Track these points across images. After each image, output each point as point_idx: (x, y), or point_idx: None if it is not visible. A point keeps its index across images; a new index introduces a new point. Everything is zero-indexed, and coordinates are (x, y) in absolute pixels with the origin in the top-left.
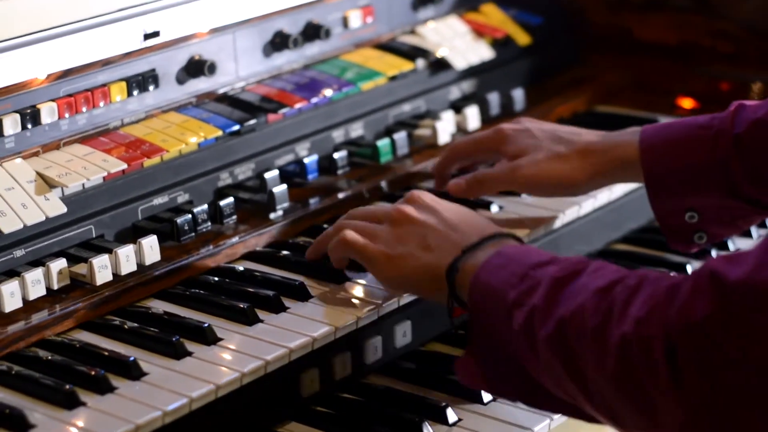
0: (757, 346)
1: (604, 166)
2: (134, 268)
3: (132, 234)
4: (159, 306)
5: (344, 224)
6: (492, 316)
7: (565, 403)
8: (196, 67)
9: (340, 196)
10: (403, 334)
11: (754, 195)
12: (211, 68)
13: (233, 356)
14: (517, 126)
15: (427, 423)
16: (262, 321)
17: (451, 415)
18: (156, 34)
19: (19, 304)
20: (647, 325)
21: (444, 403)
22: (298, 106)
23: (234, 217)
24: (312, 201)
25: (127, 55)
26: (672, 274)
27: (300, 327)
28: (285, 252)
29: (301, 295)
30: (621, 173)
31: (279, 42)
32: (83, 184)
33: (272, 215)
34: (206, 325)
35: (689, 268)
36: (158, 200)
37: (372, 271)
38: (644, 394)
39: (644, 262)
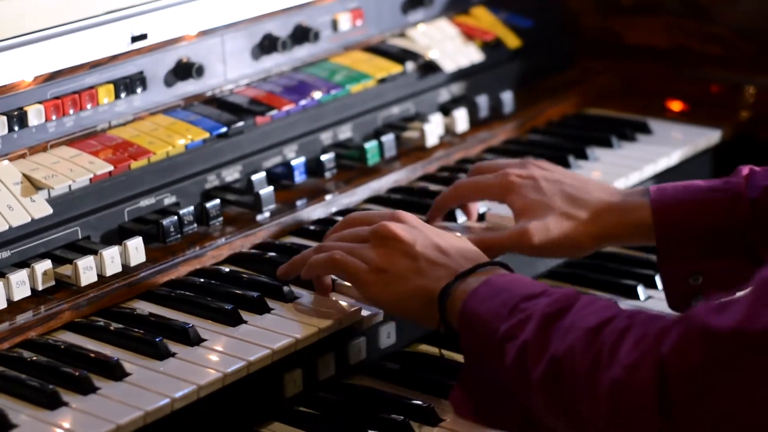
0: (750, 392)
1: (616, 229)
2: (119, 269)
3: (118, 235)
4: (143, 307)
5: (329, 245)
6: (482, 346)
7: None
8: (184, 70)
9: (327, 197)
10: (387, 335)
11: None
12: (200, 71)
13: (216, 357)
14: (522, 172)
15: (413, 423)
16: (245, 322)
17: (436, 416)
18: (143, 36)
19: (4, 304)
20: (637, 373)
21: (428, 404)
22: (286, 108)
23: (220, 218)
24: (299, 203)
25: (115, 58)
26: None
27: (284, 328)
28: (271, 254)
29: (285, 296)
30: (631, 236)
31: (268, 45)
32: (70, 186)
33: (259, 217)
34: (190, 326)
35: (640, 291)
36: (145, 202)
37: (362, 292)
38: None
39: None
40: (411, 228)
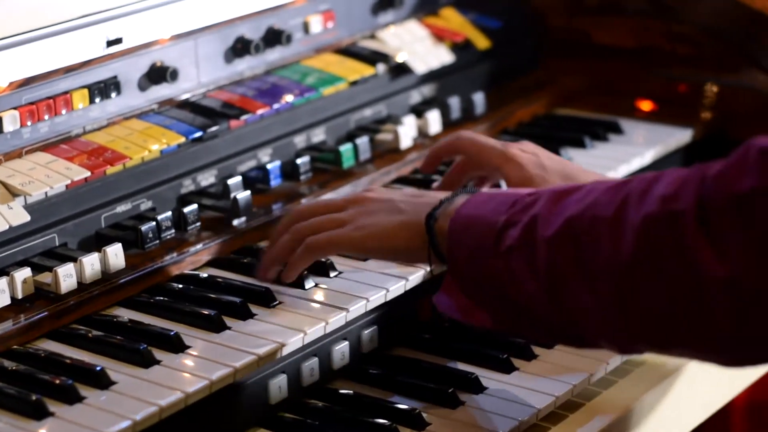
0: None
1: None
2: (99, 276)
3: (95, 242)
4: (125, 314)
5: (300, 229)
6: (473, 244)
7: (552, 328)
8: (158, 74)
9: (303, 201)
10: (370, 339)
11: None
12: (174, 75)
13: (202, 364)
14: (525, 148)
15: (400, 427)
16: (229, 328)
17: (423, 420)
18: (119, 40)
19: None
20: (675, 202)
21: (414, 408)
22: (260, 112)
23: (198, 224)
24: (275, 207)
25: (89, 62)
26: None
27: (268, 333)
28: (250, 258)
29: (267, 301)
30: None
31: (240, 48)
32: (46, 193)
33: (236, 221)
34: (173, 332)
35: None
36: (121, 208)
37: (349, 250)
38: (665, 273)
39: None
40: (382, 191)
